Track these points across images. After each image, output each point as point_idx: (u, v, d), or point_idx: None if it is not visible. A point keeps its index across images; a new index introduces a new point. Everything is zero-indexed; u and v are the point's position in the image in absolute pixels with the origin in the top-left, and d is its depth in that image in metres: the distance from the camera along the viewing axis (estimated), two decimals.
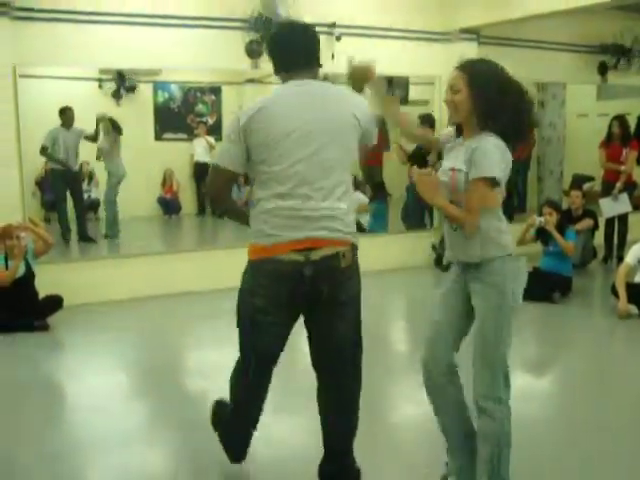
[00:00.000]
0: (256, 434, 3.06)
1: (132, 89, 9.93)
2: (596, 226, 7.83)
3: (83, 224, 8.30)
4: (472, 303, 2.74)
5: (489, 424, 2.70)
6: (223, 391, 3.08)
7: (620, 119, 8.12)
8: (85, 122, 8.17)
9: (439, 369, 2.81)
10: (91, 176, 9.58)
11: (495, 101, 2.62)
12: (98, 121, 8.33)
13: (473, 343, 2.71)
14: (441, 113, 7.95)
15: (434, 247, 7.85)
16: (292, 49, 2.79)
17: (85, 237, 8.21)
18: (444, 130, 3.02)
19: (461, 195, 2.65)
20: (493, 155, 2.58)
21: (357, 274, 2.81)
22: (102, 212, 9.01)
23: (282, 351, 2.88)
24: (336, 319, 2.78)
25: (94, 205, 9.46)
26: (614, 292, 5.97)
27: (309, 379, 2.94)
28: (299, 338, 2.91)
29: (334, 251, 2.68)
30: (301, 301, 2.73)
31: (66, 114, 7.92)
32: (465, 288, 2.78)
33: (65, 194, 8.16)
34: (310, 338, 2.88)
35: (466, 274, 2.77)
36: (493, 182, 2.60)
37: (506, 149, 2.64)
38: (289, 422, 3.79)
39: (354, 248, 2.76)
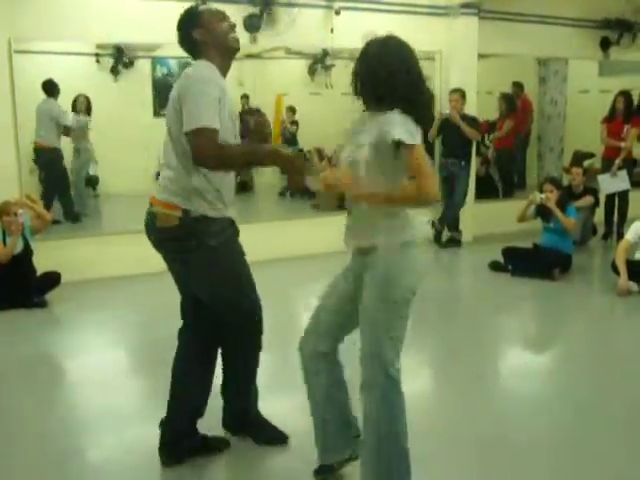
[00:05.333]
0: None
1: (130, 64, 9.84)
2: (597, 203, 7.81)
3: (68, 203, 7.93)
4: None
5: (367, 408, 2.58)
6: (219, 368, 3.10)
7: (625, 95, 8.03)
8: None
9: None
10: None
11: (384, 80, 2.52)
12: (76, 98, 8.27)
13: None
14: (441, 90, 7.89)
15: (433, 224, 7.82)
16: None
17: (72, 217, 7.88)
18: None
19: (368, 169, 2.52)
20: (399, 119, 2.45)
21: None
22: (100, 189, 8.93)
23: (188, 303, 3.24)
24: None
25: (92, 181, 9.41)
26: (614, 269, 5.96)
27: None
28: (296, 320, 2.88)
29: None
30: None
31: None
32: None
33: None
34: None
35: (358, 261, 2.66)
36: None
37: (409, 120, 2.49)
38: (287, 400, 3.77)
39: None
